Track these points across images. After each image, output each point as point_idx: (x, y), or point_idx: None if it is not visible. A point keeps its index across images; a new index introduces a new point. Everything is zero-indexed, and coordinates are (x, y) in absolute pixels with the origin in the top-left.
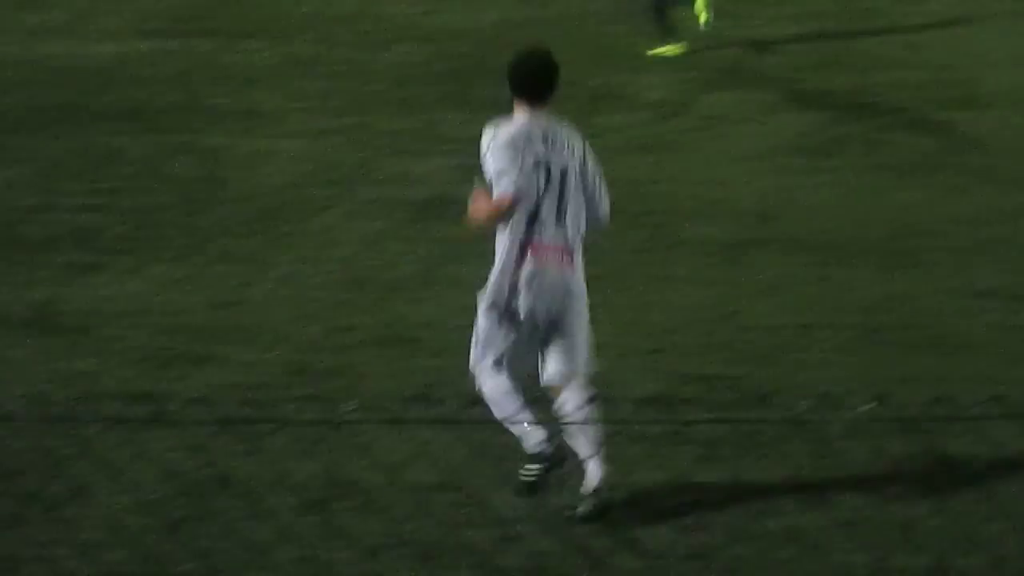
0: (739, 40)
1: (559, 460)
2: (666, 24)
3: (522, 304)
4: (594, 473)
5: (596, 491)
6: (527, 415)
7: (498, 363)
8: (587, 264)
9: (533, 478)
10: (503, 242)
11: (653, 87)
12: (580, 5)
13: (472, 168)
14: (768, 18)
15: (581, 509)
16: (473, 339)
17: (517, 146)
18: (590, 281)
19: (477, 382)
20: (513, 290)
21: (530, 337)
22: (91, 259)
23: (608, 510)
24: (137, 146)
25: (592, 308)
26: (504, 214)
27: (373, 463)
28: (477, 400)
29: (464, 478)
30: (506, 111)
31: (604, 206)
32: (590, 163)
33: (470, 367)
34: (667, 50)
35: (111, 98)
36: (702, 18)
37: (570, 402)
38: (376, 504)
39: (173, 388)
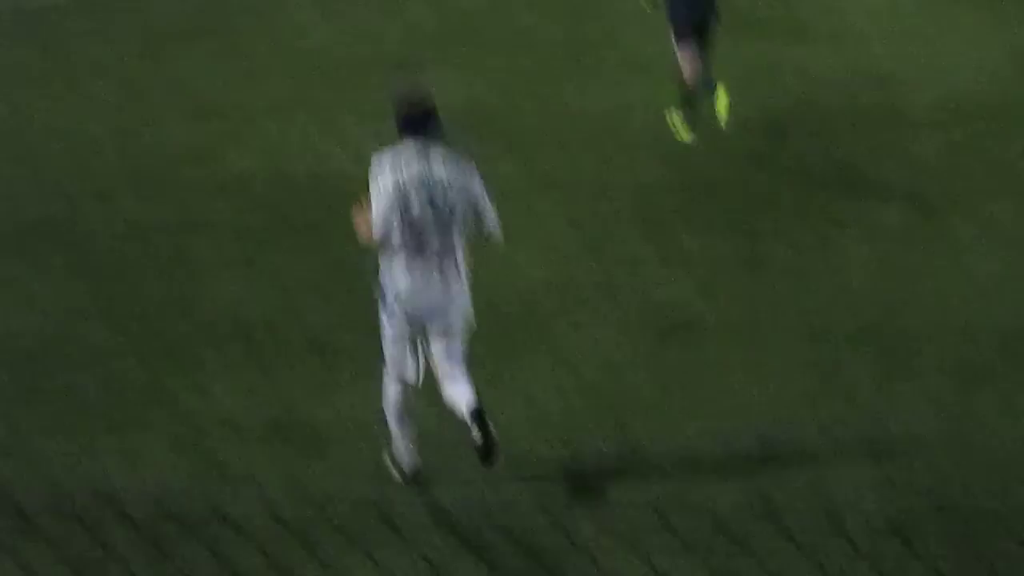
0: (977, 160)
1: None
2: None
3: (410, 301)
4: (471, 400)
5: (478, 416)
6: (405, 432)
7: (395, 370)
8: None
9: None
10: (387, 254)
11: (895, 208)
12: (814, 125)
13: (712, 286)
14: (1008, 137)
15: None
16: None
17: (395, 181)
18: (823, 399)
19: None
20: (398, 294)
21: (414, 326)
22: (329, 373)
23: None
24: (374, 262)
25: (826, 428)
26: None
27: None
28: (718, 524)
29: None
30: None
31: (488, 222)
32: (475, 185)
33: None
34: (679, 132)
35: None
36: (722, 119)
37: (452, 383)
38: None
39: (409, 502)
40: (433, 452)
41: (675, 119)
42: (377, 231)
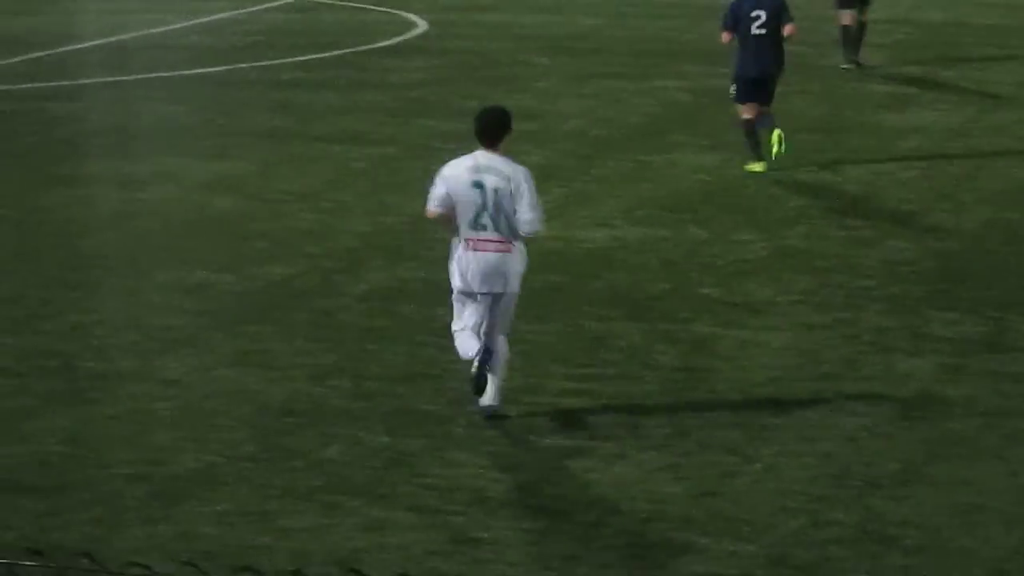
0: None
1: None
2: (754, 144)
3: (472, 281)
4: (491, 391)
5: (492, 405)
6: (474, 347)
7: (463, 326)
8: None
9: (473, 377)
10: (455, 240)
11: None
12: None
13: (957, 365)
14: None
15: (485, 411)
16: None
17: (454, 173)
18: None
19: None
20: (464, 273)
21: (480, 301)
22: (575, 443)
23: (499, 414)
24: (624, 333)
25: None
26: (441, 218)
27: None
28: None
29: None
30: None
31: (532, 216)
32: (523, 186)
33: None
34: (754, 167)
35: (601, 284)
36: (774, 150)
37: (499, 344)
38: None
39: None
40: (677, 528)
41: (750, 167)
42: (432, 207)
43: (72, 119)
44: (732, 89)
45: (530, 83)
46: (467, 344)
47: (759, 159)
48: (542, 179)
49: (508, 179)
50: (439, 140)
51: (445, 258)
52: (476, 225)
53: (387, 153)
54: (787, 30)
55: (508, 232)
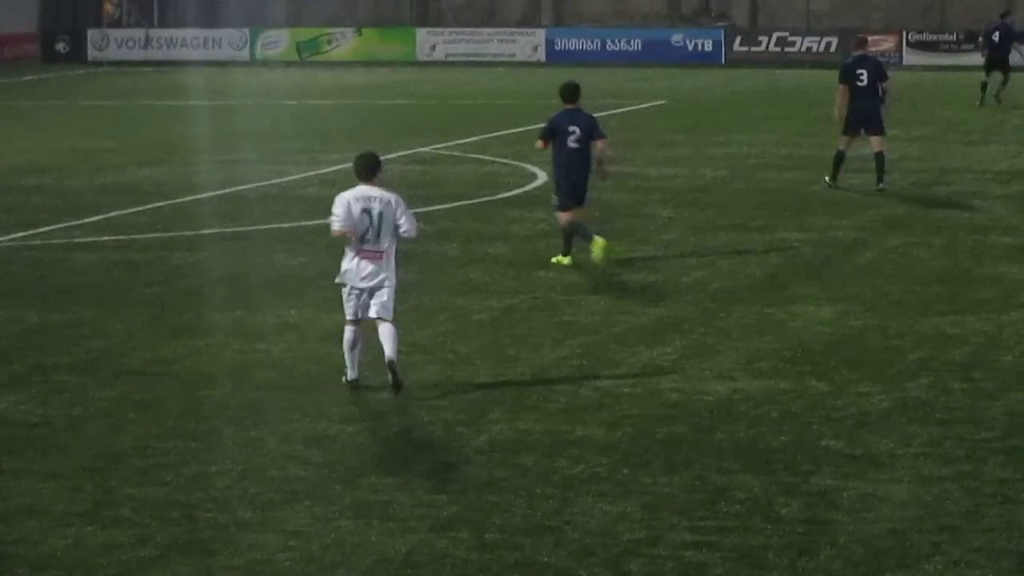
0: None
1: (357, 386)
2: (568, 243)
3: (357, 281)
4: (391, 353)
5: (392, 365)
6: (353, 357)
7: (351, 319)
8: (400, 259)
9: (349, 386)
10: (348, 251)
11: None
12: None
13: None
14: None
15: (390, 381)
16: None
17: (348, 202)
18: None
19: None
20: (351, 275)
21: (361, 295)
22: None
23: (399, 384)
24: (745, 485)
25: None
26: (343, 235)
27: None
28: None
29: None
30: None
31: (409, 228)
32: (399, 207)
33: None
34: (562, 260)
35: (721, 436)
36: (600, 256)
37: (383, 329)
38: None
39: None
40: None
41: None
42: (338, 226)
43: (193, 269)
44: (554, 199)
45: (652, 235)
46: (348, 353)
47: (567, 254)
48: (663, 331)
49: (388, 203)
50: (562, 292)
51: (566, 410)
52: (364, 240)
53: (509, 304)
54: (600, 145)
55: (386, 244)
